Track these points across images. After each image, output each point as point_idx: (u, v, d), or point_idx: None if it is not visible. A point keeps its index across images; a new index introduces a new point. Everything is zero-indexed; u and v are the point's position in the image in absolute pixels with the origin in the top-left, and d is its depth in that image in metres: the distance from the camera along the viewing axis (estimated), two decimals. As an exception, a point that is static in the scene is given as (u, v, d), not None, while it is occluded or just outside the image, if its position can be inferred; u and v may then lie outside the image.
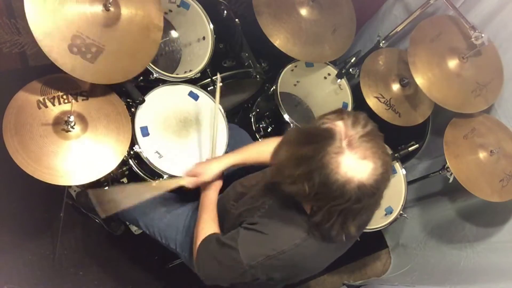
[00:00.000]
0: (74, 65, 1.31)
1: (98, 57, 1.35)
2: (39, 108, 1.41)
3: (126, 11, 1.43)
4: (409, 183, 2.02)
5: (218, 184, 1.43)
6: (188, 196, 1.60)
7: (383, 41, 2.10)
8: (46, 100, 1.43)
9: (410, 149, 1.94)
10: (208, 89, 1.79)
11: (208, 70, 1.80)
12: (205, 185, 1.41)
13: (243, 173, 1.51)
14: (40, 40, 1.25)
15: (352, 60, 2.03)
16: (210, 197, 1.39)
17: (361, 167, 0.93)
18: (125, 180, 2.03)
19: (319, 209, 1.02)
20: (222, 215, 1.42)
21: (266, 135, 2.11)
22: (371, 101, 1.96)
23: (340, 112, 1.00)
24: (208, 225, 1.31)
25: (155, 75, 1.63)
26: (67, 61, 1.30)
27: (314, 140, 0.95)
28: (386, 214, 1.96)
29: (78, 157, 1.40)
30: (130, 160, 1.62)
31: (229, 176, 1.58)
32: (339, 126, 0.95)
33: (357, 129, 0.95)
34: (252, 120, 2.18)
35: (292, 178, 0.98)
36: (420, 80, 1.76)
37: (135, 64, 1.46)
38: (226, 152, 1.67)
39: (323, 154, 0.92)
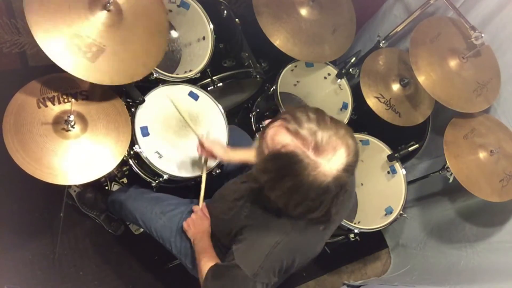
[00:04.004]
0: (74, 64, 1.31)
1: (99, 57, 1.35)
2: (39, 107, 1.41)
3: (129, 13, 1.43)
4: (409, 183, 2.02)
5: (208, 230, 1.44)
6: (183, 197, 1.62)
7: (383, 41, 2.10)
8: (46, 100, 1.43)
9: (410, 149, 1.95)
10: (208, 89, 1.80)
11: (208, 70, 1.80)
12: (196, 232, 1.43)
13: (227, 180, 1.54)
14: (39, 39, 1.25)
15: (352, 60, 2.04)
16: (204, 240, 1.40)
17: (339, 158, 0.94)
18: (125, 180, 2.03)
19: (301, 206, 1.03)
20: (216, 233, 1.43)
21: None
22: (371, 101, 1.97)
23: (279, 122, 0.99)
24: (208, 262, 1.29)
25: (155, 75, 1.63)
26: (67, 60, 1.30)
27: (289, 171, 0.95)
28: (386, 214, 1.96)
29: (78, 156, 1.40)
30: (130, 160, 1.62)
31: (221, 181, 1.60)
32: (293, 141, 0.95)
33: (308, 129, 0.94)
34: (252, 120, 2.18)
35: (288, 203, 1.01)
36: (423, 80, 1.76)
37: (140, 66, 1.44)
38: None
39: (306, 178, 0.94)
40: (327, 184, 0.95)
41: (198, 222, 1.45)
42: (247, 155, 1.52)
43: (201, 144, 1.53)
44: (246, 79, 1.97)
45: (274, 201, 1.03)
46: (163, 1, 1.54)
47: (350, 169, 0.97)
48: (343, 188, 0.99)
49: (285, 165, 0.95)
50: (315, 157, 0.93)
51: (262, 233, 1.14)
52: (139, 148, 1.54)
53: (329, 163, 0.94)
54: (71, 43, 1.30)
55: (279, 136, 0.97)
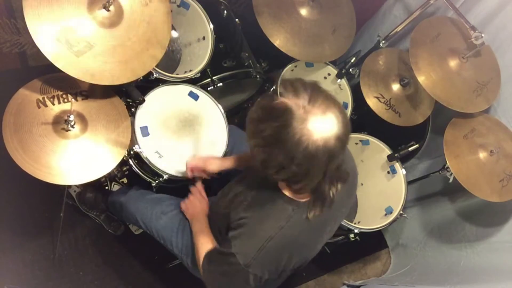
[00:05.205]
0: (58, 54, 1.30)
1: (85, 54, 1.34)
2: (39, 107, 1.41)
3: (129, 17, 1.42)
4: (409, 183, 2.02)
5: (206, 209, 1.47)
6: (183, 197, 1.61)
7: (383, 41, 2.10)
8: (46, 99, 1.43)
9: (410, 149, 1.95)
10: (208, 89, 1.80)
11: (208, 70, 1.80)
12: (194, 213, 1.45)
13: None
14: (29, 23, 1.25)
15: (352, 60, 2.04)
16: (201, 221, 1.42)
17: (329, 122, 0.94)
18: (125, 180, 2.03)
19: (301, 180, 1.03)
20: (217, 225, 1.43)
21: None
22: (371, 101, 1.97)
23: (282, 91, 0.99)
24: (205, 245, 1.32)
25: (155, 75, 1.63)
26: (51, 48, 1.29)
27: (275, 117, 0.94)
28: (386, 214, 1.96)
29: (78, 156, 1.40)
30: (130, 160, 1.62)
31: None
32: (289, 99, 0.95)
33: (304, 90, 0.96)
34: (252, 120, 2.18)
35: (278, 167, 0.99)
36: (423, 80, 1.76)
37: (125, 72, 1.42)
38: (226, 152, 1.69)
39: (292, 130, 0.92)
40: (313, 146, 0.93)
41: (195, 202, 1.49)
42: (244, 158, 1.52)
43: (191, 167, 1.52)
44: (246, 79, 1.97)
45: (262, 168, 1.01)
46: (171, 20, 1.53)
47: (340, 139, 0.95)
48: (332, 159, 0.97)
49: (275, 115, 0.94)
50: (305, 113, 0.92)
51: (258, 226, 1.14)
52: (139, 148, 1.54)
53: (317, 123, 0.93)
54: (60, 34, 1.30)
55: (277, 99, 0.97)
